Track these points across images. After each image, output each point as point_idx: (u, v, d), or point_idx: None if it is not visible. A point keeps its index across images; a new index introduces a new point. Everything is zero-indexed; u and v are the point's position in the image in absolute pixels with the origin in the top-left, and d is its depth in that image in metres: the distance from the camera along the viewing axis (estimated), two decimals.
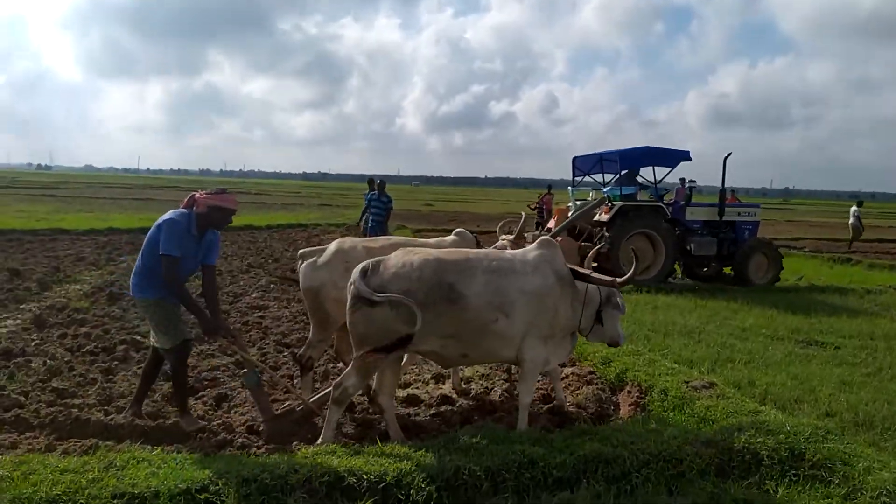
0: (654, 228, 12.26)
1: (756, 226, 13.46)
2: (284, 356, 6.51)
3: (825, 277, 14.25)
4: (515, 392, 5.45)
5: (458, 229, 5.96)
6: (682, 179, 15.36)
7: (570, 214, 13.16)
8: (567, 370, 6.41)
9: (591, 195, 14.31)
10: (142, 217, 22.27)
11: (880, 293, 12.06)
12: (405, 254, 4.19)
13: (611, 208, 12.24)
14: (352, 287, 4.02)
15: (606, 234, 12.06)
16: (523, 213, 7.18)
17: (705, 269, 13.33)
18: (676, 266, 13.07)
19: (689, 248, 12.65)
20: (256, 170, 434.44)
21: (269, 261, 13.76)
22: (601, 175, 14.18)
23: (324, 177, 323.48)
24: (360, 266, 4.11)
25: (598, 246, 10.28)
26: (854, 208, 21.68)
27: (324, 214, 29.25)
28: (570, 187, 14.33)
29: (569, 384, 6.10)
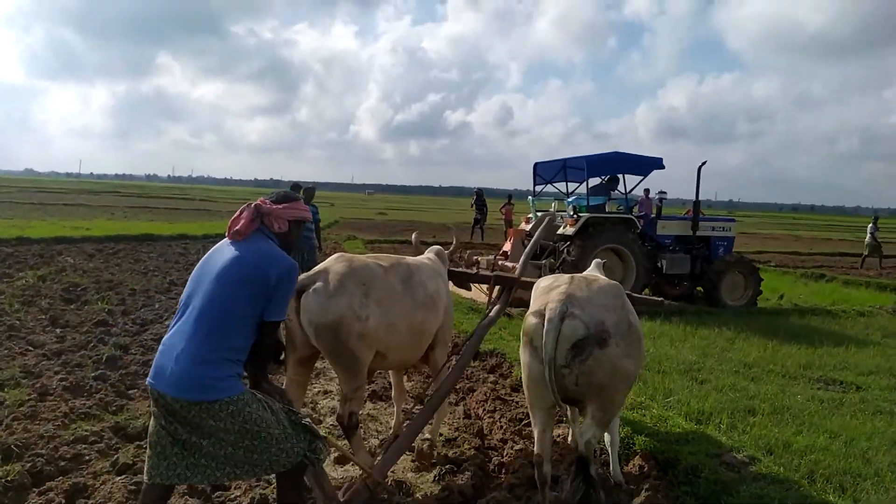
0: (624, 243, 11.03)
1: (731, 242, 12.36)
2: None
3: (804, 296, 13.30)
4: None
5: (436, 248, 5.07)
6: (647, 190, 14.28)
7: (528, 228, 12.01)
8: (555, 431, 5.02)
9: (554, 206, 13.10)
10: (66, 225, 20.13)
11: (872, 315, 11.10)
12: (576, 281, 3.47)
13: (576, 220, 10.96)
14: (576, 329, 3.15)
15: (571, 248, 10.79)
16: (454, 238, 5.88)
17: (676, 289, 12.16)
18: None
19: (660, 265, 11.47)
20: (206, 176, 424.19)
21: None
22: (564, 184, 12.99)
23: (276, 184, 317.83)
24: (560, 298, 3.24)
25: (546, 262, 9.11)
26: (871, 225, 21.00)
27: None
28: (530, 197, 13.03)
29: (555, 451, 4.71)
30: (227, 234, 2.87)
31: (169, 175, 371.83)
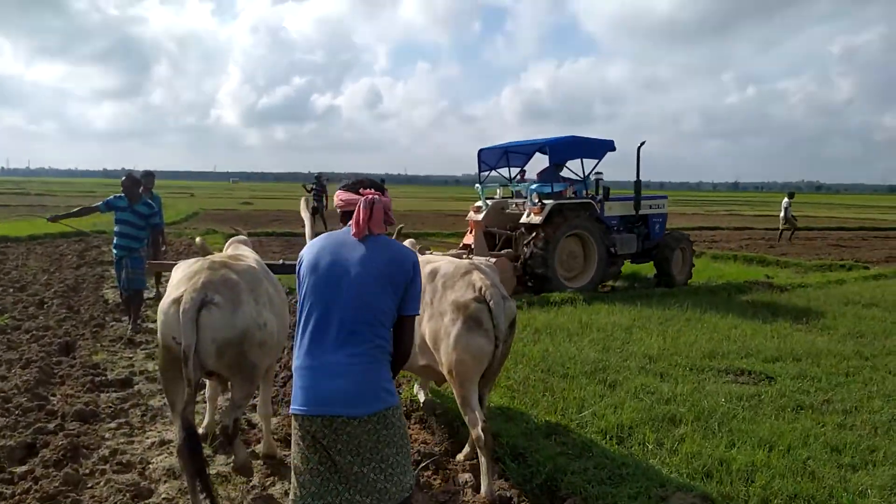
0: (586, 228, 10.85)
1: (665, 219, 12.54)
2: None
3: None
4: None
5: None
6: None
7: (480, 218, 11.48)
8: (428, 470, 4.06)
9: (499, 192, 12.45)
10: None
11: (750, 290, 11.14)
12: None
13: (542, 208, 10.47)
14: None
15: (538, 236, 10.38)
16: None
17: (612, 269, 11.85)
18: None
19: (612, 248, 11.25)
20: (47, 167, 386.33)
21: (11, 290, 9.94)
22: (507, 169, 12.57)
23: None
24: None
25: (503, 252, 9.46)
26: (785, 200, 21.06)
27: None
28: (477, 185, 12.31)
29: (468, 500, 3.75)
30: (353, 233, 2.58)
31: (3, 167, 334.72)
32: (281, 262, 5.67)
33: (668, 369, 6.24)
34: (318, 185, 22.08)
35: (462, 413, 3.82)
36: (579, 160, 11.57)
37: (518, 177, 12.71)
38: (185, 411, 3.32)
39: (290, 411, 2.49)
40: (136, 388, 5.88)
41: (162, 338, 3.33)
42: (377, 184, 2.72)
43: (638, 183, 12.07)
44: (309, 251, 2.61)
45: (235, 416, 3.61)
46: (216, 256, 3.90)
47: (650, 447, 4.37)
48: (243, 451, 3.89)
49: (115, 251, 7.78)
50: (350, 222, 2.62)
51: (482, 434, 3.61)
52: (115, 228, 7.76)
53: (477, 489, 3.84)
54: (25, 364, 6.06)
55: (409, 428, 4.86)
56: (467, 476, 4.03)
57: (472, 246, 11.20)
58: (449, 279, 3.87)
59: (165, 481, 4.07)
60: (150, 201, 8.09)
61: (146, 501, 3.79)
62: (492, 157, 12.29)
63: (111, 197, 7.90)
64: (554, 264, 10.42)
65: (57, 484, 3.82)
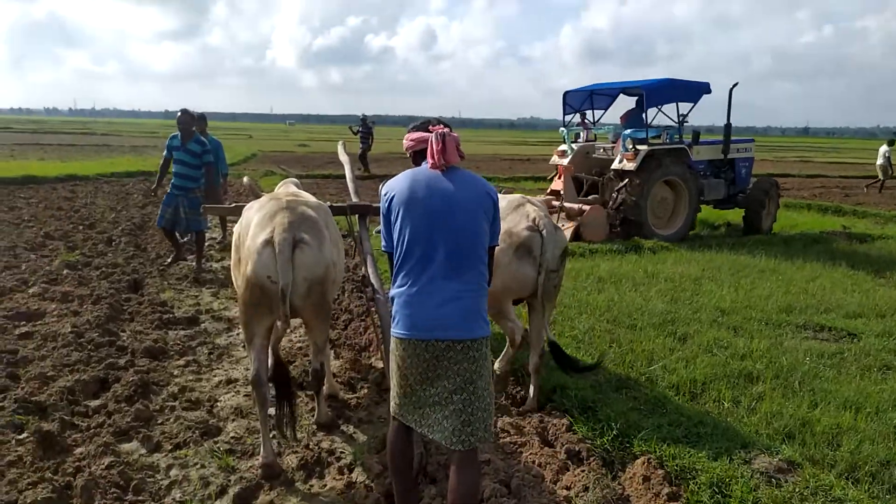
0: (679, 175, 10.51)
1: (751, 163, 12.08)
2: (31, 421, 3.59)
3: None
4: None
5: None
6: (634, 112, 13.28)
7: (566, 162, 11.27)
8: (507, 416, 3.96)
9: (583, 136, 12.03)
10: None
11: (827, 241, 10.57)
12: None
13: (635, 154, 10.15)
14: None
15: (632, 183, 10.11)
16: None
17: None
18: None
19: (700, 194, 10.97)
20: (112, 108, 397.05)
21: (81, 227, 10.24)
22: (591, 112, 12.19)
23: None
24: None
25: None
26: (884, 148, 19.19)
27: None
28: (562, 128, 11.98)
29: (536, 452, 3.65)
30: (432, 165, 2.64)
31: (70, 108, 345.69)
32: (328, 204, 5.55)
33: (742, 323, 5.95)
34: (364, 128, 21.77)
35: (501, 328, 4.26)
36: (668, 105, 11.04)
37: (588, 121, 12.26)
38: (275, 345, 3.48)
39: (394, 335, 2.60)
40: (202, 326, 5.97)
41: (256, 277, 3.30)
42: (443, 121, 2.76)
43: (728, 126, 11.59)
44: (398, 185, 2.63)
45: (322, 360, 3.71)
46: (281, 195, 3.80)
47: (726, 405, 4.17)
48: (325, 406, 4.03)
49: (172, 190, 7.72)
50: (426, 160, 2.67)
51: (538, 362, 4.16)
52: (173, 169, 7.71)
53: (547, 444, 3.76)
54: (96, 300, 6.21)
55: None
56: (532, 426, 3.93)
57: (562, 191, 10.98)
58: (503, 210, 3.94)
59: (233, 419, 4.11)
60: (202, 138, 7.89)
61: (215, 439, 3.83)
62: (576, 100, 11.95)
63: (169, 139, 7.85)
64: (646, 211, 10.19)
65: (129, 419, 3.89)
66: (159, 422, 4.00)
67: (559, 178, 11.50)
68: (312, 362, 3.74)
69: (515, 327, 4.18)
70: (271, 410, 3.63)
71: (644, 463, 3.34)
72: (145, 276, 7.39)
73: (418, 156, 2.75)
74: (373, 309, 4.52)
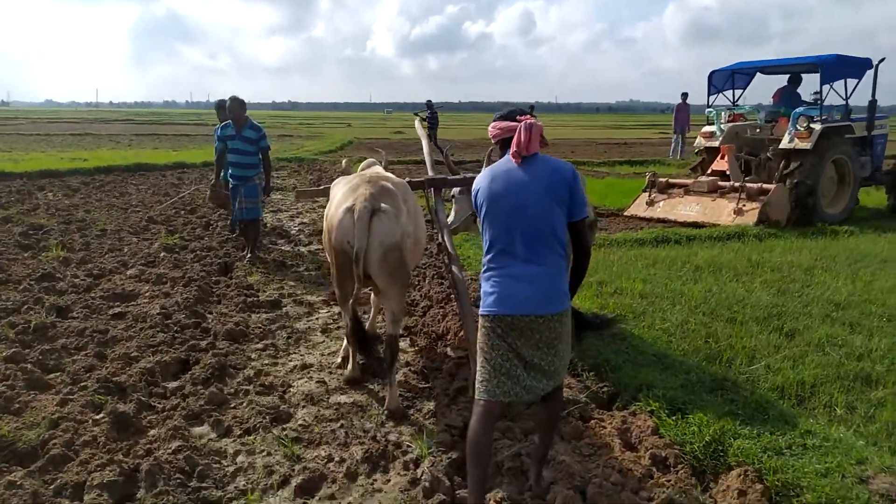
0: (846, 153, 10.25)
1: (885, 140, 11.53)
2: (109, 402, 3.67)
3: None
4: None
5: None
6: (685, 94, 12.65)
7: (717, 144, 11.10)
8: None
9: (725, 115, 11.69)
10: (64, 157, 18.80)
11: None
12: None
13: (809, 132, 9.72)
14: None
15: (806, 164, 9.73)
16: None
17: None
18: None
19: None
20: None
21: (182, 212, 10.68)
22: (731, 92, 11.91)
23: (294, 106, 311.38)
24: None
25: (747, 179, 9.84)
26: None
27: (280, 147, 25.74)
28: (708, 109, 11.80)
29: (616, 456, 3.36)
30: (514, 153, 2.84)
31: (187, 101, 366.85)
32: (406, 179, 5.48)
33: (860, 319, 5.33)
34: (431, 113, 21.63)
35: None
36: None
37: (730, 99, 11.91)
38: (352, 304, 3.77)
39: (482, 311, 2.84)
40: (284, 309, 6.01)
41: (337, 243, 3.78)
42: (528, 112, 2.96)
43: (873, 102, 10.84)
44: (483, 182, 2.90)
45: (398, 330, 4.04)
46: (366, 173, 4.25)
47: (839, 412, 3.70)
48: (397, 392, 4.02)
49: (230, 181, 7.61)
50: (510, 150, 2.84)
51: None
52: (228, 158, 7.54)
53: (629, 447, 3.45)
54: (187, 282, 6.39)
55: None
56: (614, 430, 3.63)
57: (728, 171, 10.68)
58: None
59: (304, 406, 4.06)
60: (256, 123, 7.59)
61: (284, 426, 3.78)
62: (721, 80, 11.72)
63: (217, 130, 7.72)
64: (819, 193, 9.71)
65: (202, 402, 3.91)
66: (232, 406, 4.00)
67: (721, 158, 11.07)
68: (387, 330, 4.03)
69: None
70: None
71: (740, 475, 2.97)
72: (236, 260, 7.55)
73: (503, 143, 2.95)
74: (451, 276, 4.52)
